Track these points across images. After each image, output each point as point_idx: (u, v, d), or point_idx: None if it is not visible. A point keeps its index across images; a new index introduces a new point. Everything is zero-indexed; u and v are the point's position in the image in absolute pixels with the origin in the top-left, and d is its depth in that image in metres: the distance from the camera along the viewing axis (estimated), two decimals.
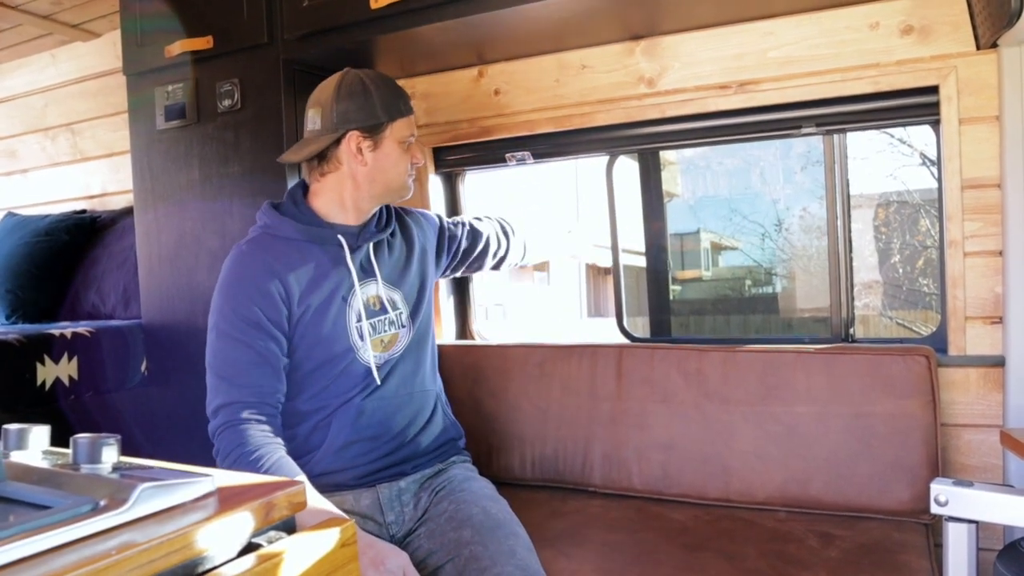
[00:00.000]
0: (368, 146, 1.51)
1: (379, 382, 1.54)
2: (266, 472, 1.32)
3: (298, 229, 1.52)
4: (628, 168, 2.41)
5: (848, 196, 2.00)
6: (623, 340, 2.26)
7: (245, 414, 1.40)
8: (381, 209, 1.64)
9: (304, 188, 1.60)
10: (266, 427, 1.41)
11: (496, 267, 1.99)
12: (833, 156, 1.97)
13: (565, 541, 1.63)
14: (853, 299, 2.00)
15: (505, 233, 1.97)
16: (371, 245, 1.58)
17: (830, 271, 1.96)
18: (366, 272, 1.57)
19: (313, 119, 1.53)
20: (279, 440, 1.42)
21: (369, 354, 1.54)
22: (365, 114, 1.49)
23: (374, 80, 1.52)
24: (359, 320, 1.53)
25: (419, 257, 1.69)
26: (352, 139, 1.50)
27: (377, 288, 1.57)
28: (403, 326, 1.60)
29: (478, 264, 1.93)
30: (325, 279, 1.51)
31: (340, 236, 1.53)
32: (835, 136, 1.96)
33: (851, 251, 1.97)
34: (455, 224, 1.86)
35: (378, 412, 1.54)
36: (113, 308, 2.62)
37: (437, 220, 1.83)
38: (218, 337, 1.46)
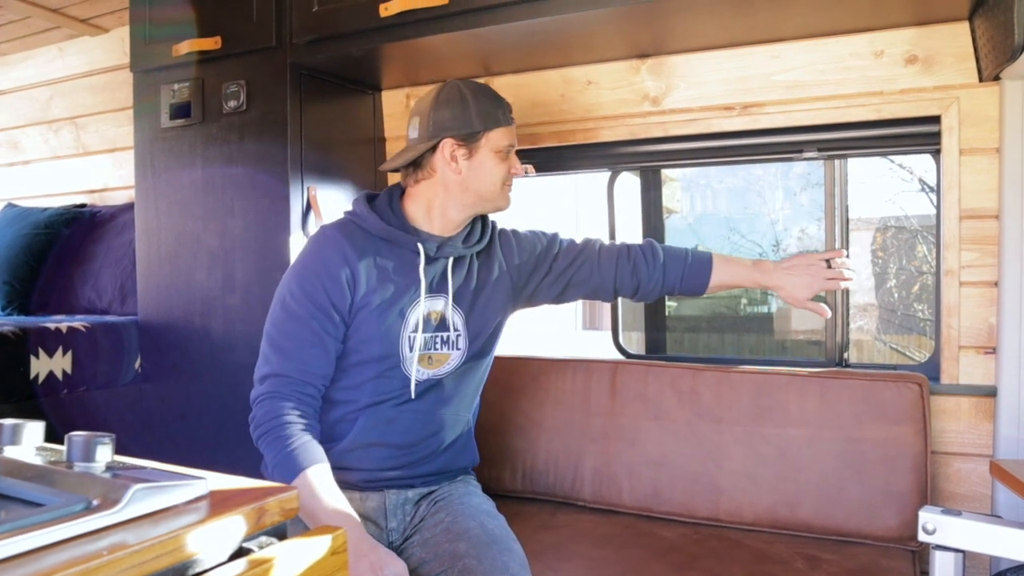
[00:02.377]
0: (463, 154, 1.50)
1: (413, 396, 1.53)
2: (291, 451, 1.35)
3: (380, 226, 1.51)
4: (629, 183, 2.42)
5: (847, 220, 2.01)
6: (618, 356, 2.26)
7: (289, 389, 1.42)
8: (476, 224, 1.60)
9: (402, 191, 1.59)
10: (306, 407, 1.43)
11: (634, 296, 1.68)
12: (833, 180, 1.99)
13: (553, 555, 1.63)
14: (848, 323, 2.01)
15: (641, 260, 1.65)
16: (451, 260, 1.55)
17: (827, 295, 1.97)
18: (438, 286, 1.54)
19: (413, 128, 1.54)
20: (314, 423, 1.44)
21: (413, 367, 1.52)
22: (461, 122, 1.49)
23: (473, 89, 1.52)
24: (414, 331, 1.52)
25: (499, 284, 1.61)
26: (447, 146, 1.49)
27: (445, 305, 1.54)
28: (457, 349, 1.57)
29: (600, 291, 1.67)
30: (392, 282, 1.51)
31: (420, 244, 1.52)
32: (836, 160, 1.97)
33: None
34: (571, 244, 1.68)
35: (405, 424, 1.53)
36: (109, 304, 2.62)
37: (546, 239, 1.68)
38: (283, 309, 1.47)
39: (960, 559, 1.28)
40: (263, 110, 2.05)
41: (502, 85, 2.20)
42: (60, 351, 2.12)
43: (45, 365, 2.08)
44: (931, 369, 1.83)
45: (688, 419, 1.85)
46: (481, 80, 2.21)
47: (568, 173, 2.31)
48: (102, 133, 3.11)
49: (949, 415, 1.76)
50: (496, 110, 1.52)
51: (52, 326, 2.13)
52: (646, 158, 2.13)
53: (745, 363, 1.91)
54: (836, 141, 1.88)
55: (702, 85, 1.96)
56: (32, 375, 2.05)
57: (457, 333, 1.56)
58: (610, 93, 2.07)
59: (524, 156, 2.25)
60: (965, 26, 1.69)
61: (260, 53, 2.05)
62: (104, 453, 0.72)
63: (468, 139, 1.49)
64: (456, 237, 1.57)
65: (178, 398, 2.20)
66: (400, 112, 2.34)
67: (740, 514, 1.78)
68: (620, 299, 1.75)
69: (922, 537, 1.28)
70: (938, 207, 1.80)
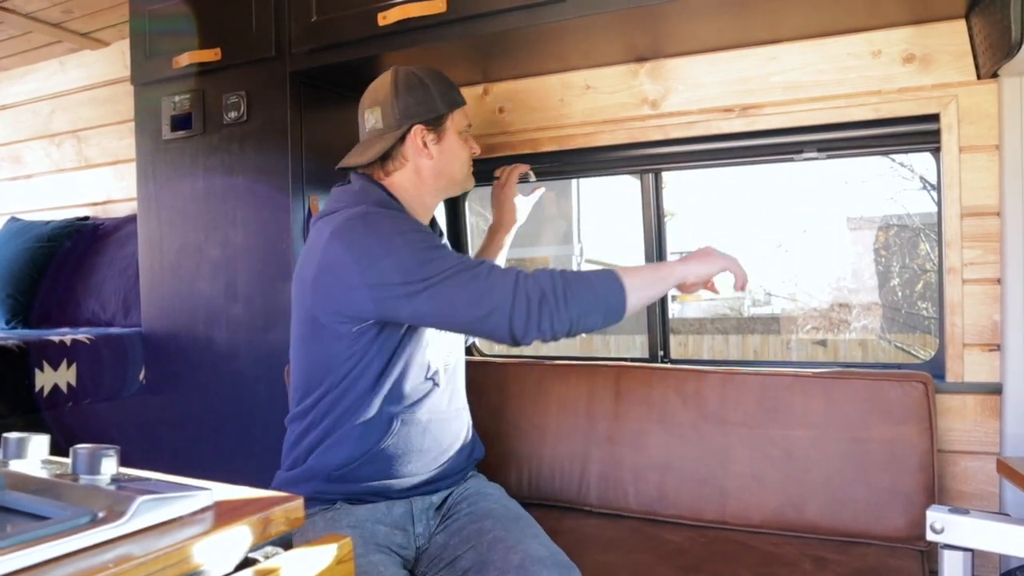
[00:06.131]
0: (432, 139, 1.49)
1: (440, 384, 1.51)
2: (593, 276, 1.32)
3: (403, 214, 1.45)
4: (630, 186, 2.41)
5: (663, 227, 2.21)
6: (622, 359, 2.26)
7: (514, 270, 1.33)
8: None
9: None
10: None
11: None
12: (650, 195, 2.14)
13: None
14: (667, 322, 2.24)
15: None
16: None
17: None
18: None
19: (373, 118, 1.50)
20: None
21: (439, 357, 1.51)
22: (426, 107, 1.48)
23: (427, 73, 1.51)
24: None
25: None
26: (417, 133, 1.48)
27: None
28: (455, 336, 1.57)
29: None
30: None
31: None
32: (651, 175, 2.11)
33: None
34: None
35: (433, 425, 1.51)
36: (113, 316, 2.62)
37: None
38: (422, 251, 1.32)
39: (969, 558, 1.27)
40: (263, 120, 2.06)
41: (501, 91, 2.21)
42: (64, 364, 2.12)
43: (50, 378, 2.09)
44: (936, 367, 1.82)
45: (693, 422, 1.85)
46: (480, 87, 2.22)
47: (569, 178, 2.32)
48: (104, 146, 3.12)
49: (955, 413, 1.75)
50: (453, 91, 1.53)
51: (56, 339, 2.14)
52: (646, 161, 2.13)
53: (750, 365, 1.90)
54: (836, 141, 1.88)
55: (701, 87, 1.97)
56: (37, 388, 2.06)
57: None
58: (609, 97, 2.07)
59: (524, 162, 2.25)
60: (962, 24, 1.69)
61: (260, 63, 2.06)
62: (109, 465, 0.72)
63: (435, 123, 1.49)
64: (431, 224, 1.58)
65: (183, 409, 2.20)
66: None
67: (747, 516, 1.77)
68: None
69: (930, 536, 1.28)
70: (939, 205, 1.80)
